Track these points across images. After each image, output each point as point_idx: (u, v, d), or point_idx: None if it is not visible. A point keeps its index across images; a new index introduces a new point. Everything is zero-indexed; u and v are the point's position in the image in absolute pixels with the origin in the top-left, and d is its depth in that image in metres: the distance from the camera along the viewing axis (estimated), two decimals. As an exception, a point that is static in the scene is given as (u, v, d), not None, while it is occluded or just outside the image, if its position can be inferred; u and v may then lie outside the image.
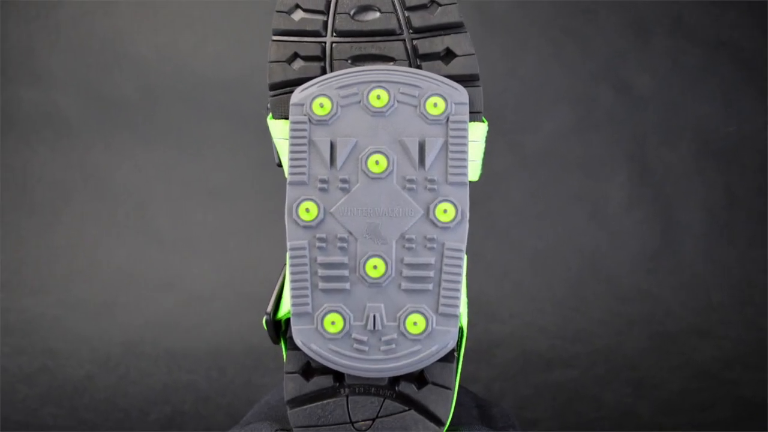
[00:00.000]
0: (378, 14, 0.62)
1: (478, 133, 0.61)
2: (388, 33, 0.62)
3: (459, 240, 0.59)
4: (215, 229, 1.45)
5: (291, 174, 0.59)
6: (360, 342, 0.58)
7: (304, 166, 0.59)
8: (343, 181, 0.59)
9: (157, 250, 1.42)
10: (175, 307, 1.36)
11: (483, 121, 0.62)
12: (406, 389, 0.60)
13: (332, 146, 0.60)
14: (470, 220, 0.60)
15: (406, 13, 0.62)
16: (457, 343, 0.61)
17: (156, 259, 1.42)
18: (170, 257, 1.42)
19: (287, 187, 0.60)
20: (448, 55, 0.62)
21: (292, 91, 0.61)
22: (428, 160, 0.59)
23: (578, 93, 1.52)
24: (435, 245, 0.59)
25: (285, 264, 0.62)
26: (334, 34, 0.62)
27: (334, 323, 0.58)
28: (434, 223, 0.59)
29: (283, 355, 0.62)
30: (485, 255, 1.44)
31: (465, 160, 0.59)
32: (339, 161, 0.59)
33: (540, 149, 1.50)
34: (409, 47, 0.62)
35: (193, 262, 1.42)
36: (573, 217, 1.49)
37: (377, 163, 0.59)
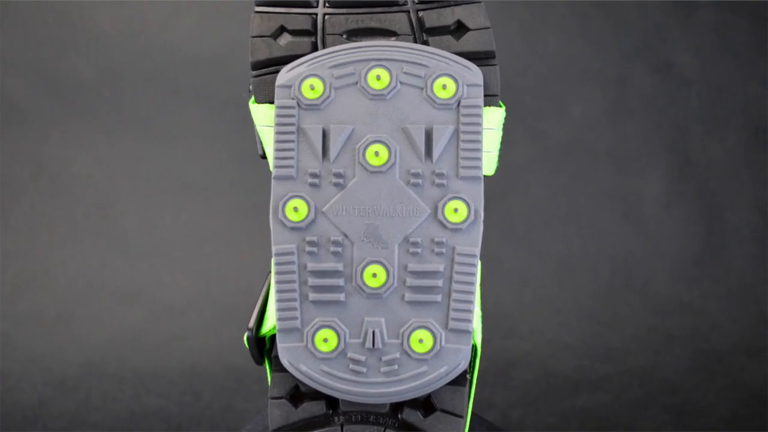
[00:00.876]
0: (378, -19, 0.62)
1: (494, 119, 0.61)
2: (389, 3, 0.62)
3: (471, 244, 0.59)
4: (189, 231, 1.45)
5: (277, 167, 0.59)
6: (357, 362, 0.58)
7: (291, 157, 0.59)
8: (338, 175, 0.59)
9: (121, 256, 1.42)
10: (142, 321, 1.36)
11: (500, 106, 0.62)
12: (410, 417, 0.59)
13: (324, 135, 0.59)
14: (485, 221, 0.60)
15: (411, -20, 0.62)
16: (470, 363, 0.61)
17: (120, 266, 1.41)
18: (137, 264, 1.42)
19: (272, 182, 0.60)
20: (460, 28, 0.62)
21: (277, 71, 0.61)
22: (436, 151, 0.59)
23: (610, 74, 1.52)
24: (444, 250, 0.59)
25: (270, 272, 0.62)
26: (327, 5, 0.62)
27: (326, 340, 0.58)
28: (443, 224, 0.59)
29: (267, 378, 0.62)
30: (502, 261, 1.43)
31: (479, 150, 0.59)
32: (332, 152, 0.59)
33: (565, 139, 1.50)
34: (413, 20, 0.62)
35: (163, 269, 1.42)
36: (603, 217, 1.48)
37: (377, 154, 0.59)
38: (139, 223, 1.45)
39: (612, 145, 1.51)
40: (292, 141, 0.60)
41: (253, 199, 1.39)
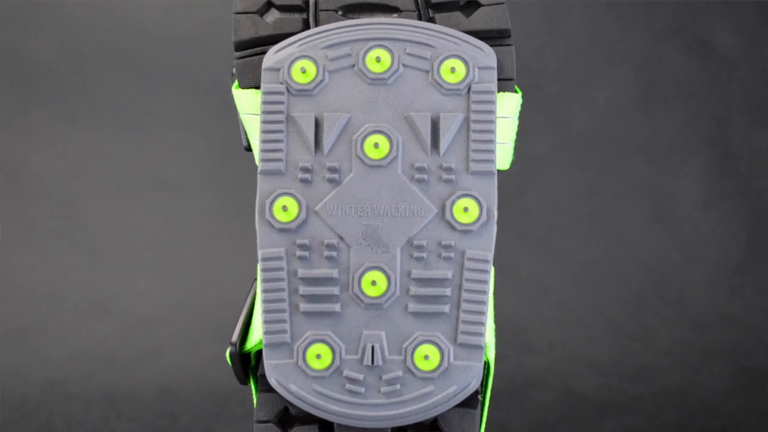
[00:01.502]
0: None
1: (508, 106, 0.61)
2: (390, -25, 0.62)
3: (484, 247, 0.59)
4: (165, 233, 1.45)
5: (263, 161, 0.59)
6: (354, 381, 0.58)
7: (280, 150, 0.59)
8: (332, 169, 0.59)
9: (88, 261, 1.42)
10: (112, 335, 1.36)
11: (516, 92, 0.62)
12: (414, 444, 0.60)
13: (317, 124, 0.59)
14: (499, 222, 0.60)
15: (415, -50, 0.62)
16: (482, 382, 0.60)
17: (87, 273, 1.41)
18: (106, 270, 1.42)
19: (259, 177, 0.59)
20: (470, 4, 0.62)
21: (264, 52, 0.61)
22: (443, 143, 0.59)
23: (640, 55, 1.52)
24: (452, 254, 0.59)
25: (255, 279, 0.62)
26: (320, -23, 0.62)
27: (319, 357, 0.58)
28: (451, 226, 0.59)
29: (253, 399, 0.62)
30: (518, 267, 1.43)
31: (492, 142, 0.59)
32: (326, 144, 0.59)
33: (590, 129, 1.50)
34: (418, -6, 0.62)
35: (135, 276, 1.42)
36: (633, 218, 1.48)
37: (376, 146, 0.59)
38: (108, 224, 1.45)
39: (643, 137, 1.51)
40: (281, 131, 0.59)
41: (237, 196, 1.39)
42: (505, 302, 1.24)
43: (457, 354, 0.58)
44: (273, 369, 0.58)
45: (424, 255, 0.59)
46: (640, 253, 1.46)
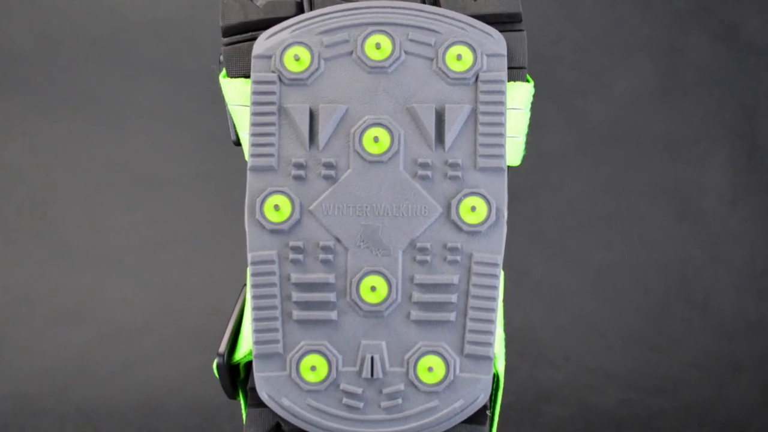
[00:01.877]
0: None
1: (520, 97, 0.61)
2: (391, -46, 0.62)
3: (492, 250, 0.59)
4: (145, 234, 1.45)
5: (253, 156, 0.59)
6: (352, 395, 0.58)
7: (272, 144, 0.59)
8: (328, 165, 0.59)
9: (61, 265, 1.42)
10: (88, 346, 1.36)
11: (527, 81, 0.62)
12: (417, 463, 0.60)
13: (312, 116, 0.59)
14: (509, 222, 0.60)
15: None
16: (490, 396, 0.61)
17: (61, 278, 1.41)
18: (81, 274, 1.42)
19: (248, 174, 0.60)
20: (478, -14, 0.62)
21: (254, 38, 0.61)
22: (449, 136, 0.59)
23: (662, 41, 1.52)
24: (459, 257, 0.59)
25: (245, 284, 0.62)
26: (315, -44, 0.62)
27: (314, 369, 0.58)
28: (458, 226, 0.59)
29: (242, 414, 0.62)
30: (530, 271, 1.43)
31: (501, 136, 0.59)
32: (322, 138, 0.59)
33: (608, 121, 1.50)
34: (421, -25, 0.62)
35: (113, 281, 1.42)
36: (654, 217, 1.48)
37: (376, 140, 0.59)
38: (84, 224, 1.45)
39: (664, 129, 1.51)
40: (273, 124, 0.59)
41: (225, 195, 1.39)
42: (516, 309, 1.24)
43: (463, 366, 0.58)
44: (264, 382, 0.58)
45: (428, 258, 0.59)
46: (662, 255, 1.46)
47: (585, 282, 1.45)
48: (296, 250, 0.59)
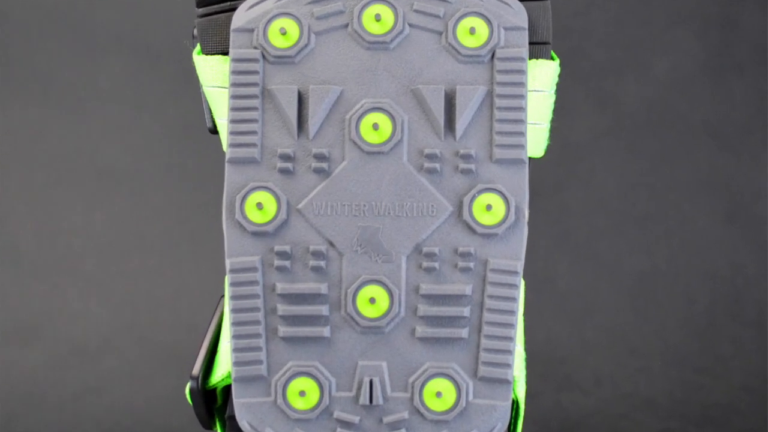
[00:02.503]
0: None
1: (543, 77, 0.61)
2: None
3: (511, 256, 0.59)
4: (107, 237, 1.45)
5: (232, 146, 0.59)
6: (347, 425, 0.58)
7: (254, 132, 0.59)
8: (320, 157, 0.59)
9: (10, 275, 1.43)
10: (41, 367, 1.36)
11: (552, 59, 0.62)
12: (424, 503, 0.60)
13: (301, 100, 0.59)
14: (530, 223, 0.60)
15: None
16: (509, 426, 0.60)
17: (10, 289, 1.42)
18: (33, 285, 1.42)
19: (226, 167, 0.60)
20: (494, -52, 0.62)
21: (233, 9, 0.61)
22: (460, 123, 0.59)
23: (710, 12, 1.52)
24: (472, 264, 0.59)
25: (222, 296, 0.62)
26: None
27: (303, 394, 0.58)
28: (471, 228, 0.59)
29: (219, 447, 0.62)
30: (555, 281, 1.44)
31: (522, 122, 0.59)
32: (312, 125, 0.59)
33: (645, 105, 1.50)
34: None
35: (70, 292, 1.42)
36: (699, 218, 1.48)
37: (376, 127, 0.59)
38: (35, 226, 1.45)
39: (712, 115, 1.51)
40: (255, 108, 0.59)
41: (199, 191, 1.39)
42: (539, 324, 1.24)
43: (477, 390, 0.58)
44: (245, 409, 0.58)
45: (436, 265, 0.59)
46: (708, 262, 1.46)
47: (618, 293, 1.45)
48: (282, 255, 0.59)
